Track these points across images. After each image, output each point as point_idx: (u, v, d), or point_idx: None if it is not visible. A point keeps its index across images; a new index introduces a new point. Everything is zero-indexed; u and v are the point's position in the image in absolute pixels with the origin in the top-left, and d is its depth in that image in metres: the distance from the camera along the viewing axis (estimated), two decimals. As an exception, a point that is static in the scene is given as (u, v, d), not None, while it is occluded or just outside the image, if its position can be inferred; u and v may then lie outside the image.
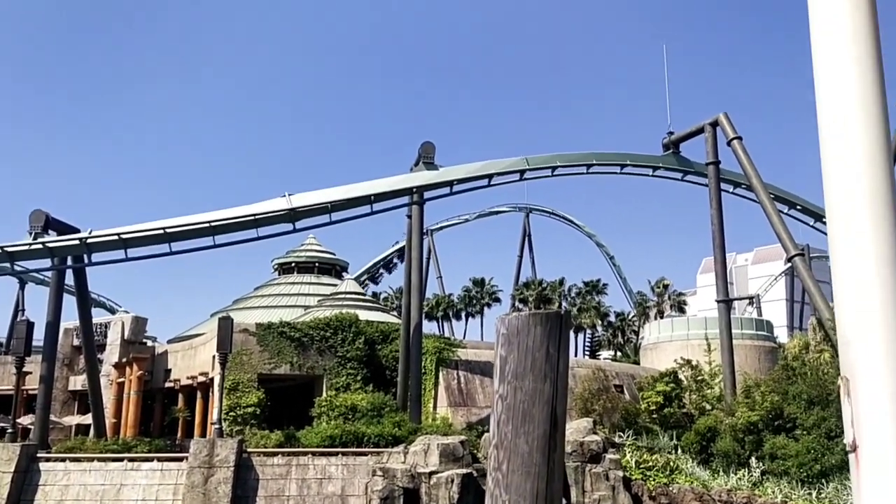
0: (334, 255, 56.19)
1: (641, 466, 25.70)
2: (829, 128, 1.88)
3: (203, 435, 31.59)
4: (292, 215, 30.73)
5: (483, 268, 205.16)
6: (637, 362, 48.15)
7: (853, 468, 1.73)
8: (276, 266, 55.76)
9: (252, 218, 30.53)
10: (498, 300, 74.44)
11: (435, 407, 34.07)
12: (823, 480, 22.47)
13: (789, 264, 42.94)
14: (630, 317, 70.04)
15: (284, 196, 30.64)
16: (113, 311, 60.03)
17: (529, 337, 2.47)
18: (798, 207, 41.50)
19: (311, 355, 34.22)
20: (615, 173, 39.27)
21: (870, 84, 1.82)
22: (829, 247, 1.86)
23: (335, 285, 49.29)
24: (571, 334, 71.86)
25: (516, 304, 69.26)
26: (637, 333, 65.66)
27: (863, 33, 1.87)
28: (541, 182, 62.10)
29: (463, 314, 74.04)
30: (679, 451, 26.97)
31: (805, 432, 24.44)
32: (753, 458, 24.73)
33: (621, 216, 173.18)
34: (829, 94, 1.87)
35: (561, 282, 70.59)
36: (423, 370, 33.55)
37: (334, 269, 55.31)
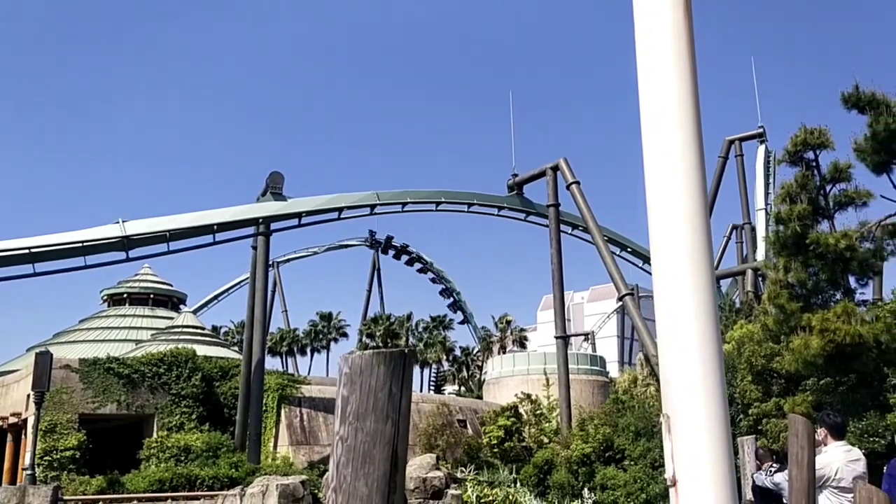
0: (171, 286, 53.30)
1: (482, 501, 26.04)
2: (653, 185, 1.99)
3: (13, 482, 28.49)
4: (125, 243, 28.85)
5: (331, 302, 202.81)
6: (480, 397, 49.13)
7: (673, 501, 1.82)
8: (105, 297, 51.99)
9: (80, 245, 28.34)
10: (345, 335, 73.64)
11: (276, 446, 32.87)
12: (649, 508, 23.80)
13: (620, 303, 45.83)
14: (475, 352, 71.55)
15: (118, 222, 28.75)
16: None
17: (372, 376, 2.41)
18: (629, 249, 44.49)
19: (142, 393, 32.01)
20: (462, 211, 40.35)
21: (690, 144, 1.97)
22: (653, 290, 1.96)
23: (171, 318, 46.66)
24: (417, 369, 72.46)
25: (364, 338, 68.78)
26: (481, 368, 67.14)
27: (685, 105, 2.02)
28: (392, 217, 62.70)
29: (309, 349, 72.45)
30: (518, 484, 27.64)
31: (632, 462, 25.84)
32: (586, 489, 25.78)
33: (467, 253, 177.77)
34: (653, 156, 2.00)
35: (409, 317, 71.04)
36: (264, 408, 32.36)
37: (171, 301, 52.40)
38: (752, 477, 8.09)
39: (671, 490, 1.83)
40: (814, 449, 5.84)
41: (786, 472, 6.72)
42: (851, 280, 20.35)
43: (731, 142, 50.70)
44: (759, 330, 21.34)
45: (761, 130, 50.79)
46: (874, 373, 18.29)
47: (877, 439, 17.31)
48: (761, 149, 50.35)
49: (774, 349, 19.97)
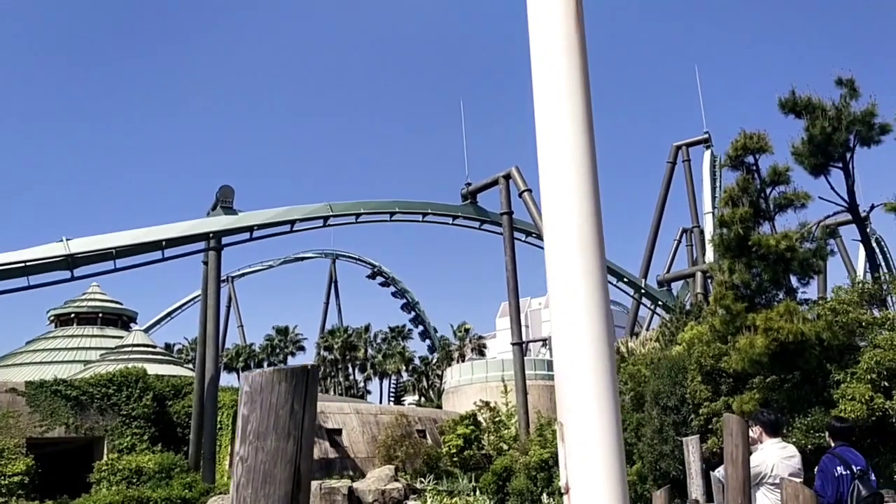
0: (120, 304, 52.07)
1: (442, 510, 25.99)
2: (548, 192, 2.01)
3: (-45, 513, 27.42)
4: (70, 262, 28.09)
5: (289, 316, 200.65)
6: (440, 406, 49.05)
7: (566, 511, 1.84)
8: (52, 318, 50.54)
9: (21, 265, 27.50)
10: (302, 348, 72.92)
11: (231, 464, 32.28)
12: (606, 510, 24.00)
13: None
14: (434, 361, 71.48)
15: (61, 241, 27.99)
16: None
17: (273, 394, 2.39)
18: (582, 255, 44.96)
19: (91, 415, 31.16)
20: (417, 221, 40.35)
21: (582, 150, 2.00)
22: (550, 306, 1.97)
23: (121, 337, 45.57)
24: (376, 381, 71.72)
25: (321, 352, 68.19)
26: (441, 378, 67.07)
27: (578, 109, 2.05)
28: (347, 228, 62.24)
29: (266, 364, 71.46)
30: (478, 492, 27.64)
31: (590, 466, 26.07)
32: (545, 495, 25.89)
33: (424, 263, 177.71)
34: (548, 166, 2.03)
35: (367, 328, 70.66)
36: (219, 425, 31.77)
37: (121, 319, 51.17)
38: (715, 473, 8.19)
39: (565, 497, 1.84)
40: (748, 447, 5.96)
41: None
42: (793, 280, 20.90)
43: (679, 147, 51.78)
44: (708, 331, 21.74)
45: (707, 136, 51.96)
46: (817, 369, 18.78)
47: (822, 435, 17.70)
48: (707, 154, 51.51)
49: (722, 349, 20.34)
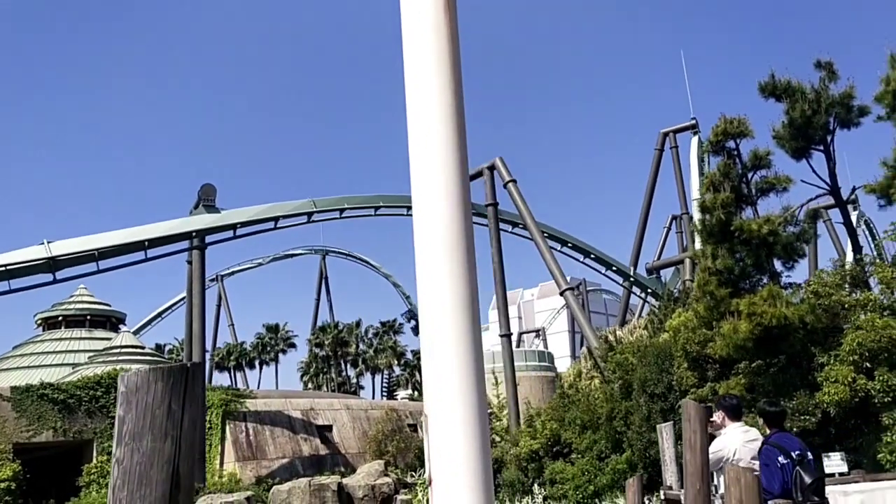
0: (109, 306, 51.79)
1: (432, 504, 25.98)
2: (418, 189, 1.93)
3: (-58, 521, 27.24)
4: (52, 264, 27.89)
5: (280, 313, 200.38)
6: (432, 400, 48.98)
7: (431, 500, 1.74)
8: (39, 321, 50.21)
9: (2, 269, 27.28)
10: (293, 346, 72.80)
11: (222, 463, 32.20)
12: (597, 500, 24.01)
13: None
14: (426, 355, 71.51)
15: (42, 243, 27.77)
16: None
17: (149, 394, 2.27)
18: (569, 245, 44.95)
19: (79, 418, 31.00)
20: (402, 215, 40.18)
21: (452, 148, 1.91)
22: (417, 294, 1.88)
23: (110, 339, 45.33)
24: (368, 376, 71.53)
25: (313, 348, 68.10)
26: (433, 371, 66.87)
27: (448, 106, 1.97)
28: (335, 224, 62.09)
29: (257, 362, 71.38)
30: (468, 484, 27.63)
31: (579, 455, 26.04)
32: (536, 485, 25.89)
33: (411, 257, 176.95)
34: (418, 168, 1.95)
35: (358, 323, 70.53)
36: (208, 424, 31.70)
37: (109, 321, 50.87)
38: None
39: (429, 489, 1.75)
40: (706, 433, 5.89)
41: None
42: (777, 264, 20.89)
43: (666, 134, 51.77)
44: (693, 317, 21.72)
45: (694, 122, 51.91)
46: (802, 353, 18.79)
47: (807, 417, 17.76)
48: (695, 140, 51.44)
49: (707, 335, 20.31)
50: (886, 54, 20.35)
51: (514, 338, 57.24)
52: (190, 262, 32.55)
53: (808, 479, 5.80)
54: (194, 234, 31.00)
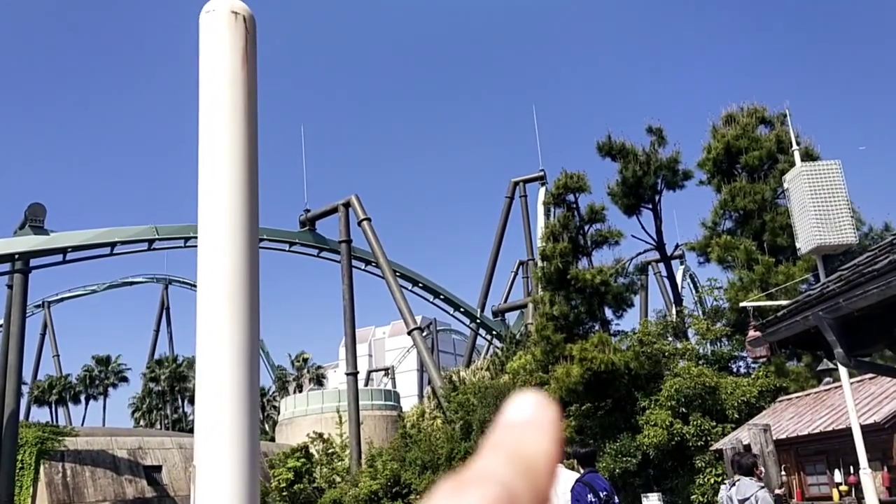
0: None
1: (265, 549, 24.97)
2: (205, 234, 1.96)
3: None
4: None
5: (113, 344, 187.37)
6: (273, 439, 47.43)
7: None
8: None
9: None
10: (125, 380, 68.09)
11: (33, 507, 29.37)
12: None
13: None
14: (271, 393, 69.24)
15: None
16: None
17: None
18: (420, 285, 45.51)
19: None
20: (266, 248, 39.13)
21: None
22: (196, 340, 1.90)
23: None
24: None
25: (148, 383, 64.10)
26: (277, 409, 64.97)
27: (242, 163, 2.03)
28: (183, 252, 59.22)
29: (83, 397, 66.04)
30: (304, 528, 26.88)
31: (418, 496, 26.11)
32: (373, 528, 25.64)
33: (264, 290, 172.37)
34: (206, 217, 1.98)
35: (199, 357, 67.11)
36: (19, 465, 28.87)
37: None
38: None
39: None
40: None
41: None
42: (608, 312, 22.28)
43: (516, 183, 54.03)
44: (532, 360, 22.61)
45: (542, 173, 54.57)
46: (626, 397, 20.05)
47: (629, 458, 18.88)
48: (542, 190, 54.00)
49: (544, 378, 21.21)
50: (709, 124, 22.58)
51: (362, 376, 56.78)
52: (10, 287, 29.85)
53: None
54: (17, 256, 28.53)
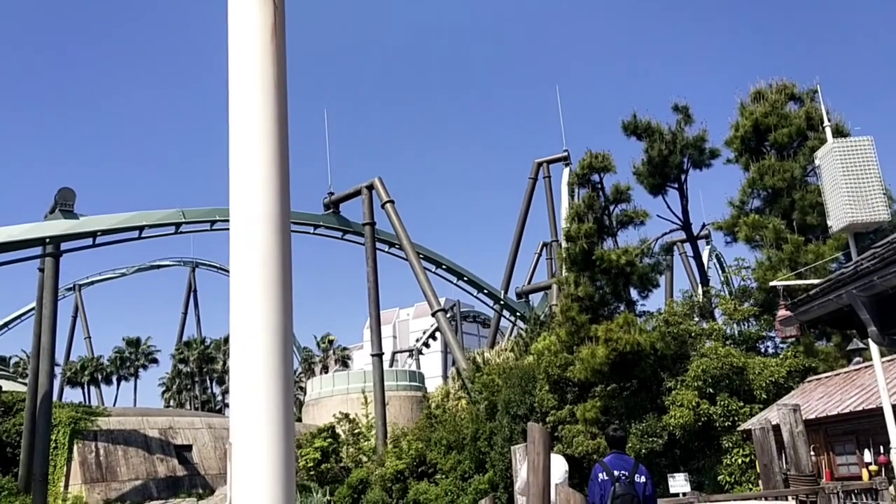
0: (-53, 315, 47.49)
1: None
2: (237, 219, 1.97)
3: None
4: None
5: (142, 326, 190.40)
6: (300, 419, 48.01)
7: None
8: None
9: None
10: (156, 361, 69.26)
11: (67, 486, 30.07)
12: (459, 520, 24.29)
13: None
14: (297, 374, 69.96)
15: None
16: None
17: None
18: (444, 267, 45.57)
19: None
20: (280, 230, 39.30)
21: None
22: (230, 332, 1.91)
23: (-55, 350, 41.50)
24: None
25: (177, 364, 65.09)
26: (304, 390, 65.68)
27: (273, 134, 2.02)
28: (208, 235, 59.88)
29: (115, 378, 67.32)
30: (332, 506, 27.25)
31: (444, 476, 26.31)
32: (399, 506, 25.91)
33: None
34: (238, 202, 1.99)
35: (226, 339, 68.05)
36: (53, 444, 29.54)
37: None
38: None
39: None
40: (549, 455, 6.17)
41: None
42: (634, 293, 22.12)
43: (540, 164, 53.68)
44: (556, 341, 22.53)
45: (566, 154, 54.12)
46: (652, 377, 19.94)
47: (655, 439, 18.81)
48: (566, 171, 53.60)
49: (568, 359, 21.14)
50: (737, 102, 22.21)
51: (387, 357, 57.01)
52: (42, 270, 30.40)
53: (618, 491, 6.52)
54: (48, 240, 28.99)
